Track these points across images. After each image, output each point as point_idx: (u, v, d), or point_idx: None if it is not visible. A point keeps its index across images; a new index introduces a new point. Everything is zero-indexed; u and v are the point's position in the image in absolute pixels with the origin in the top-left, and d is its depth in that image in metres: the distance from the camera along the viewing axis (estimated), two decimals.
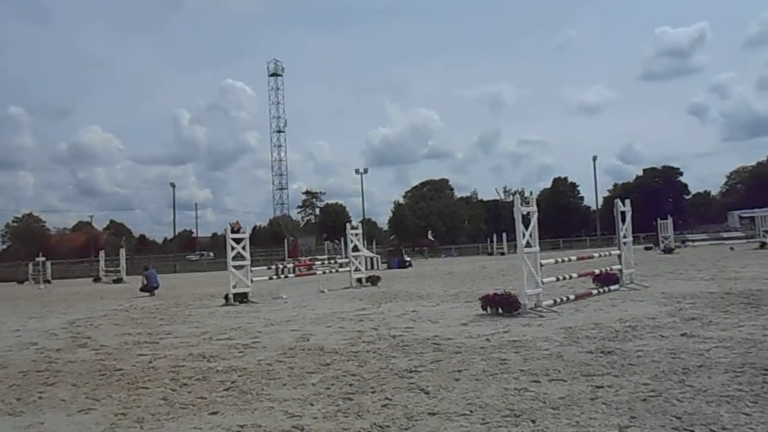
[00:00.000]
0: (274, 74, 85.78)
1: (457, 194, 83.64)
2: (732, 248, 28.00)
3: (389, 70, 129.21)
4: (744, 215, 51.06)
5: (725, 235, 36.91)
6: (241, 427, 4.11)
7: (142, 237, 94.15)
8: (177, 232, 72.69)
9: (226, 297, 14.29)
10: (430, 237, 53.08)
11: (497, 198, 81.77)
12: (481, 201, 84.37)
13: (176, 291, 21.14)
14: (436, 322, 8.94)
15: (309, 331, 8.77)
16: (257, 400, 4.81)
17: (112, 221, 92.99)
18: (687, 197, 77.65)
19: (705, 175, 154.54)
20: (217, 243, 70.33)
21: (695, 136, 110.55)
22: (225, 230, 15.60)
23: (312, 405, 4.55)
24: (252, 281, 14.97)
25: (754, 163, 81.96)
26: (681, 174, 76.67)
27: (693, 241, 36.03)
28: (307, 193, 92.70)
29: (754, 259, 19.77)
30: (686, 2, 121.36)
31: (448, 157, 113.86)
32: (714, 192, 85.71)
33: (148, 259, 49.97)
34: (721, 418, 3.65)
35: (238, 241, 14.99)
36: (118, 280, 32.14)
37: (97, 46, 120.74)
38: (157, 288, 19.75)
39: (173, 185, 65.57)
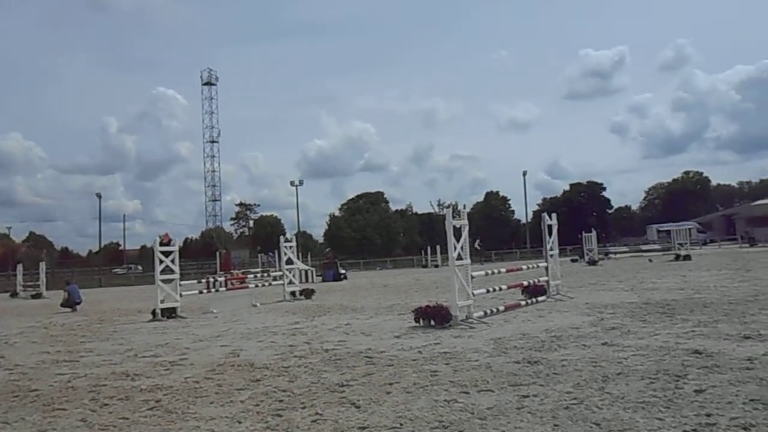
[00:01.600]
0: (208, 83, 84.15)
1: (392, 207, 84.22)
2: (650, 260, 29.48)
3: (324, 82, 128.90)
4: (661, 229, 54.02)
5: (644, 247, 38.91)
6: None
7: (65, 250, 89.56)
8: (103, 245, 69.70)
9: (154, 312, 13.80)
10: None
11: (431, 211, 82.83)
12: (416, 214, 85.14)
13: (100, 306, 20.20)
14: (370, 335, 8.95)
15: (239, 346, 8.59)
16: (182, 419, 4.66)
17: (32, 233, 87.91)
18: (610, 211, 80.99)
19: (626, 190, 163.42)
20: (145, 256, 67.56)
21: (617, 153, 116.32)
22: (154, 242, 15.06)
23: (240, 423, 4.45)
24: (181, 295, 14.51)
25: (670, 180, 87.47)
26: (604, 189, 79.95)
27: (615, 253, 37.78)
28: (240, 204, 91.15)
29: (669, 270, 20.93)
30: (607, 27, 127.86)
31: (383, 170, 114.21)
32: (634, 206, 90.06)
33: (71, 273, 47.43)
34: (636, 423, 3.83)
35: (167, 253, 14.54)
36: (38, 296, 30.34)
37: (17, 47, 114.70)
38: (79, 303, 18.79)
39: (99, 195, 63.21)
